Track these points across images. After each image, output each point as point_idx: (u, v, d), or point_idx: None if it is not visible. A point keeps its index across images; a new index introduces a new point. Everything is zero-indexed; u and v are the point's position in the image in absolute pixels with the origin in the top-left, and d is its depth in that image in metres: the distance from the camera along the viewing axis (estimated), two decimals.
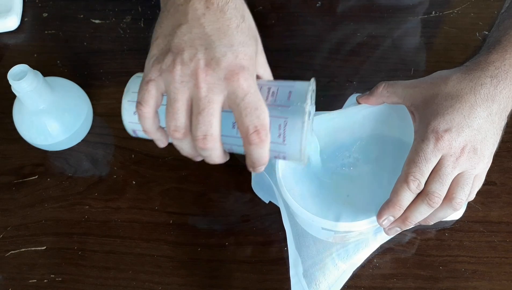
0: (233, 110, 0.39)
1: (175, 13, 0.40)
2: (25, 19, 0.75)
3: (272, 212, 0.55)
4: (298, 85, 0.42)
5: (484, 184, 0.51)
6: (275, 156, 0.42)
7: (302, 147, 0.40)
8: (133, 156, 0.61)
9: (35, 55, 0.71)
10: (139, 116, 0.41)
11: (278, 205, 0.54)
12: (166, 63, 0.39)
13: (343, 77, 0.65)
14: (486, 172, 0.46)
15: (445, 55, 0.66)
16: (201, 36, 0.39)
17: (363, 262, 0.51)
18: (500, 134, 0.46)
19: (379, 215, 0.45)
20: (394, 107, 0.49)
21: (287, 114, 0.40)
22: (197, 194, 0.58)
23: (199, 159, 0.43)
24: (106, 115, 0.65)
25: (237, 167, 0.59)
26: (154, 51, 0.41)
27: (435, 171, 0.43)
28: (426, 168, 0.43)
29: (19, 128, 0.59)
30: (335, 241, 0.50)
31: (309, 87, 0.41)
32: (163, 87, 0.40)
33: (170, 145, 0.62)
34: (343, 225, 0.46)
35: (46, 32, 0.73)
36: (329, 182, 0.50)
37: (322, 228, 0.47)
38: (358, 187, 0.49)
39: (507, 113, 0.46)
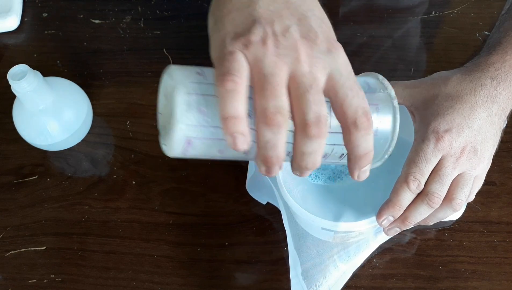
0: (334, 92, 0.33)
1: None
2: (25, 19, 0.75)
3: (272, 212, 0.55)
4: (367, 76, 0.39)
5: (484, 184, 0.51)
6: None
7: (385, 157, 0.38)
8: (133, 156, 0.61)
9: (35, 55, 0.71)
10: (229, 92, 0.31)
11: (277, 206, 0.54)
12: (256, 34, 0.32)
13: None
14: (485, 173, 0.46)
15: (445, 55, 0.66)
16: (289, 6, 0.34)
17: (363, 262, 0.51)
18: (500, 135, 0.46)
19: (379, 215, 0.45)
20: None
21: (377, 101, 0.37)
22: (197, 194, 0.58)
23: (280, 167, 0.33)
24: (106, 115, 0.65)
25: (237, 167, 0.59)
26: (228, 28, 0.34)
27: (435, 172, 0.43)
28: (426, 168, 0.43)
29: (19, 128, 0.59)
30: (335, 242, 0.50)
31: (379, 76, 0.39)
32: (247, 63, 0.32)
33: None
34: (343, 225, 0.46)
35: (46, 32, 0.73)
36: (330, 183, 0.49)
37: (322, 228, 0.47)
38: (358, 187, 0.49)
39: (507, 114, 0.46)
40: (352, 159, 0.35)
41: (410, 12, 0.70)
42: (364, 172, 0.36)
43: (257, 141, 0.32)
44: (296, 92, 0.32)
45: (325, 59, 0.33)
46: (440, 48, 0.67)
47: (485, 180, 0.53)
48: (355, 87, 0.33)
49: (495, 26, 0.52)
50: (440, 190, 0.43)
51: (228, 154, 0.35)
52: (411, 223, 0.45)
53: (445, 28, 0.69)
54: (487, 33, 0.67)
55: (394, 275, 0.52)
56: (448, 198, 0.44)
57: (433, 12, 0.70)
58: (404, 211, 0.44)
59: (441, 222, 0.52)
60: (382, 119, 0.38)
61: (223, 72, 0.31)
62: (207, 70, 0.35)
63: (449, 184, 0.43)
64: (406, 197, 0.43)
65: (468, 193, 0.44)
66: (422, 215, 0.44)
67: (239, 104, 0.31)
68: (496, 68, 0.45)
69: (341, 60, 0.33)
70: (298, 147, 0.33)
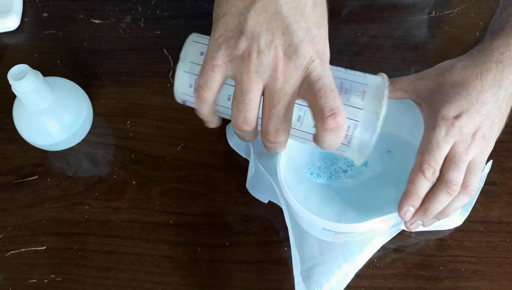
0: (306, 96, 0.37)
1: None
2: (25, 19, 0.75)
3: (272, 212, 0.55)
4: (372, 82, 0.40)
5: (484, 184, 0.51)
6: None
7: (366, 153, 0.40)
8: (133, 156, 0.61)
9: (35, 55, 0.71)
10: (199, 100, 0.39)
11: (279, 204, 0.54)
12: (240, 48, 0.36)
13: None
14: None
15: (445, 55, 0.66)
16: (277, 17, 0.36)
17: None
18: (505, 121, 0.46)
19: (400, 208, 0.44)
20: (402, 106, 0.49)
21: (359, 118, 0.39)
22: (197, 194, 0.58)
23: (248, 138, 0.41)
24: (106, 115, 0.65)
25: (237, 167, 0.59)
26: (221, 30, 0.37)
27: (450, 159, 0.43)
28: (440, 155, 0.43)
29: (19, 128, 0.59)
30: (335, 242, 0.50)
31: (384, 90, 0.39)
32: (230, 74, 0.37)
33: (170, 145, 0.62)
34: (344, 226, 0.46)
35: (46, 32, 0.73)
36: (332, 182, 0.50)
37: (323, 229, 0.47)
38: (360, 186, 0.49)
39: None
40: (317, 141, 0.38)
41: (410, 11, 0.70)
42: (331, 146, 0.38)
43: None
44: (267, 103, 0.37)
45: (298, 74, 0.36)
46: (440, 48, 0.67)
47: (486, 180, 0.53)
48: (325, 89, 0.36)
49: (496, 13, 0.52)
50: (458, 177, 0.43)
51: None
52: (432, 213, 0.45)
53: (445, 28, 0.69)
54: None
55: (394, 275, 0.52)
56: (464, 185, 0.44)
57: (433, 12, 0.70)
58: (425, 202, 0.44)
59: (442, 227, 0.52)
60: (357, 137, 0.39)
61: (200, 84, 0.38)
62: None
63: (465, 170, 0.43)
64: (423, 185, 0.43)
65: (480, 178, 0.44)
66: (442, 204, 0.44)
67: (207, 108, 0.39)
68: (501, 52, 0.45)
69: (313, 69, 0.36)
70: (262, 139, 0.39)
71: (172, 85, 0.66)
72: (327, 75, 0.36)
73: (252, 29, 0.36)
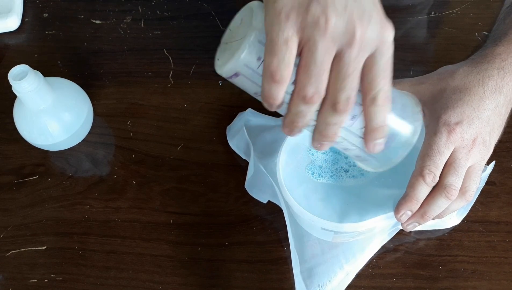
0: (368, 68, 0.35)
1: None
2: (26, 19, 0.75)
3: (272, 212, 0.55)
4: (406, 98, 0.42)
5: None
6: (355, 155, 0.42)
7: (391, 165, 0.41)
8: (133, 156, 0.61)
9: (36, 56, 0.71)
10: (275, 82, 0.34)
11: (278, 204, 0.54)
12: (313, 14, 0.32)
13: None
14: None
15: (444, 55, 0.66)
16: None
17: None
18: (503, 126, 0.46)
19: (397, 210, 0.45)
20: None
21: (400, 129, 0.40)
22: (197, 194, 0.58)
23: (300, 132, 0.38)
24: (107, 115, 0.65)
25: (237, 167, 0.59)
26: (280, 3, 0.33)
27: (450, 164, 0.44)
28: (440, 161, 0.43)
29: (20, 128, 0.59)
30: (335, 241, 0.50)
31: (419, 107, 0.41)
32: (302, 43, 0.34)
33: (170, 145, 0.62)
34: (341, 226, 0.46)
35: (46, 32, 0.74)
36: (333, 182, 0.50)
37: (322, 228, 0.47)
38: (362, 187, 0.49)
39: (511, 105, 0.46)
40: (367, 131, 0.37)
41: (410, 12, 0.70)
42: (377, 145, 0.38)
43: (289, 106, 0.36)
44: (338, 74, 0.34)
45: (373, 42, 0.34)
46: (439, 48, 0.68)
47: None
48: (387, 71, 0.35)
49: (498, 19, 0.52)
50: (456, 182, 0.43)
51: (260, 99, 0.38)
52: (430, 216, 0.45)
53: (445, 28, 0.69)
54: (486, 33, 0.67)
55: (394, 274, 0.52)
56: (462, 190, 0.44)
57: (433, 12, 0.70)
58: (423, 206, 0.45)
59: (439, 226, 0.52)
60: (404, 125, 0.40)
61: (272, 65, 0.33)
62: None
63: (464, 175, 0.44)
64: (423, 190, 0.44)
65: (478, 183, 0.45)
66: (440, 208, 0.45)
67: (282, 89, 0.34)
68: (503, 59, 0.46)
69: (388, 40, 0.35)
70: (323, 117, 0.36)
71: (172, 85, 0.67)
72: (391, 53, 0.35)
73: None
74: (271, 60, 0.33)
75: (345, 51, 0.33)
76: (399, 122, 0.40)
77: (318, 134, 0.37)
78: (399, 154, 0.41)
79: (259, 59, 0.35)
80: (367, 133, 0.38)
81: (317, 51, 0.33)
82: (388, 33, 0.35)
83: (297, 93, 0.35)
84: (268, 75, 0.34)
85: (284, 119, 0.37)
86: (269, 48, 0.34)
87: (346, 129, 0.39)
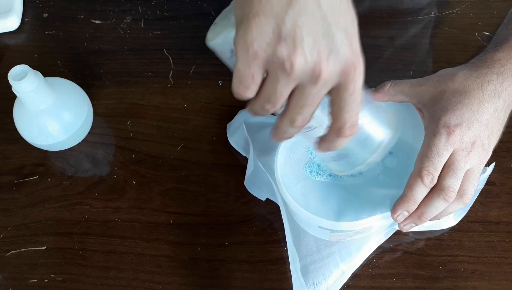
0: (333, 99, 0.36)
1: None
2: (26, 19, 0.75)
3: (272, 212, 0.56)
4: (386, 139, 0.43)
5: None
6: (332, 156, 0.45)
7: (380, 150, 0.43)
8: (133, 156, 0.61)
9: (36, 56, 0.71)
10: (243, 98, 0.36)
11: (276, 202, 0.54)
12: (279, 56, 0.33)
13: None
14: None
15: (444, 56, 0.66)
16: (318, 17, 0.33)
17: (363, 261, 0.51)
18: (502, 131, 0.46)
19: (394, 210, 0.45)
20: (404, 108, 0.50)
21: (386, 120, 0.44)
22: (197, 194, 0.58)
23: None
24: (107, 115, 0.65)
25: (237, 167, 0.59)
26: (254, 33, 0.33)
27: (448, 166, 0.44)
28: (439, 162, 0.43)
29: (20, 128, 0.59)
30: (331, 240, 0.50)
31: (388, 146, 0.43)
32: (266, 70, 0.35)
33: (170, 145, 0.62)
34: (338, 224, 0.46)
35: (46, 32, 0.74)
36: (331, 180, 0.50)
37: (318, 227, 0.47)
38: (360, 186, 0.49)
39: (509, 110, 0.47)
40: (321, 143, 0.40)
41: (410, 12, 0.70)
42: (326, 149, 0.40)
43: (251, 104, 0.38)
44: (298, 101, 0.36)
45: (335, 79, 0.34)
46: (439, 48, 0.68)
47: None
48: (355, 103, 0.36)
49: (502, 23, 0.52)
50: (455, 184, 0.43)
51: None
52: (427, 218, 0.45)
53: (445, 29, 0.69)
54: (486, 33, 0.67)
55: (393, 274, 0.52)
56: (460, 192, 0.44)
57: (433, 13, 0.70)
58: (420, 207, 0.45)
59: (436, 227, 0.52)
60: (380, 131, 0.42)
61: (240, 89, 0.35)
62: None
63: (462, 178, 0.44)
64: (420, 191, 0.44)
65: (476, 186, 0.45)
66: (438, 210, 0.45)
67: (247, 98, 0.37)
68: (502, 64, 0.46)
69: (353, 79, 0.34)
70: (282, 124, 0.38)
71: (172, 85, 0.67)
72: (360, 88, 0.35)
73: (293, 33, 0.32)
74: (238, 86, 0.35)
75: (307, 86, 0.34)
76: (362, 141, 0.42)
77: (276, 132, 0.40)
78: (356, 164, 0.44)
79: (231, 51, 0.38)
80: (323, 142, 0.40)
81: (278, 84, 0.34)
82: (355, 66, 0.34)
83: (259, 99, 0.36)
84: (236, 92, 0.36)
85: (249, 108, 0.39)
86: (237, 75, 0.35)
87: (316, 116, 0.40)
